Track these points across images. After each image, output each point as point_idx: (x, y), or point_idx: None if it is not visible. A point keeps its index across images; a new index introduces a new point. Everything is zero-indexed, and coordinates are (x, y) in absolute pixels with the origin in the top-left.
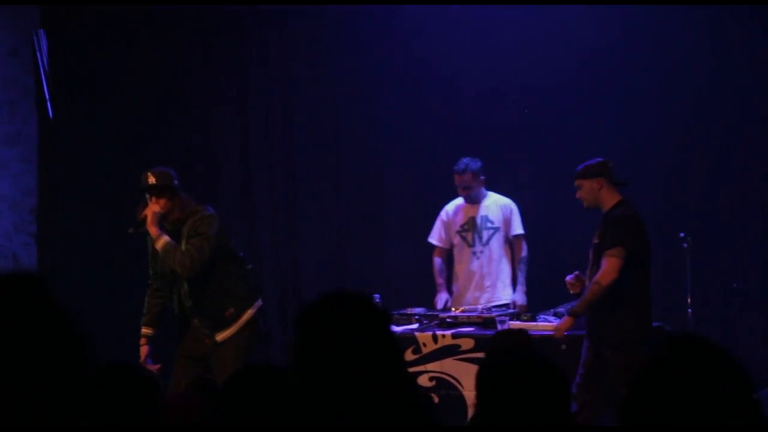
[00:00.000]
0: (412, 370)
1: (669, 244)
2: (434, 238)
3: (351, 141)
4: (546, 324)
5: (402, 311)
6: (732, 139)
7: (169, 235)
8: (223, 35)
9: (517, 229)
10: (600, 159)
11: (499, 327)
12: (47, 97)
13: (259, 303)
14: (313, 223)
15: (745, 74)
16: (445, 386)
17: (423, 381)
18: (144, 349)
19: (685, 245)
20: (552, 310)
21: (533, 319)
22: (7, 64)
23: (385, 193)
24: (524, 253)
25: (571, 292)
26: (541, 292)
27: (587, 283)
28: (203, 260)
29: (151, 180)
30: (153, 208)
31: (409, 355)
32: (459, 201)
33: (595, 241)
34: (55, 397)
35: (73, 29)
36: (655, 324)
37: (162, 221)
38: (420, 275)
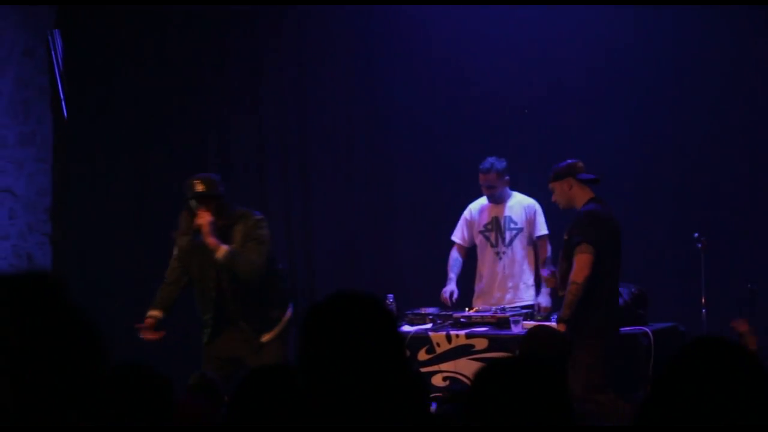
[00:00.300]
0: (425, 369)
1: (683, 244)
2: (457, 237)
3: (365, 139)
4: (544, 323)
5: (416, 311)
6: (747, 138)
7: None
8: (237, 33)
9: (542, 229)
10: (569, 161)
11: (513, 327)
12: (62, 97)
13: (291, 303)
14: (326, 222)
15: (762, 73)
16: (459, 386)
17: (437, 381)
18: (148, 322)
19: (699, 245)
20: None
21: (547, 319)
22: (22, 63)
23: (399, 191)
24: (549, 254)
25: (548, 287)
26: (556, 292)
27: (558, 280)
28: (263, 264)
29: (200, 188)
30: (206, 218)
31: (422, 355)
32: (483, 200)
33: (565, 237)
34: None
35: (88, 29)
36: (669, 324)
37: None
38: (434, 274)
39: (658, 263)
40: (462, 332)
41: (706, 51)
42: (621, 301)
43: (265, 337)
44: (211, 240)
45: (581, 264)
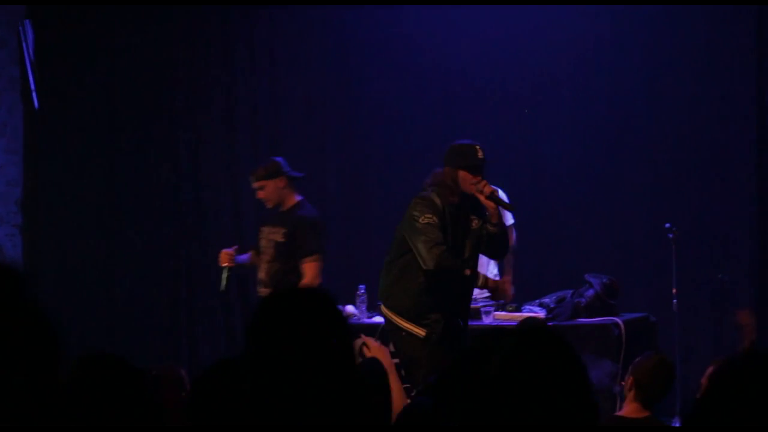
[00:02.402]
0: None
1: (654, 234)
2: None
3: (338, 133)
4: (531, 314)
5: None
6: (718, 131)
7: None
8: (210, 27)
9: (507, 219)
10: (277, 158)
11: (484, 318)
12: (33, 87)
13: None
14: None
15: (732, 69)
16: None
17: None
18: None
19: (670, 236)
20: (537, 301)
21: (518, 309)
22: None
23: (372, 183)
24: (513, 242)
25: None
26: (526, 282)
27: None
28: None
29: (481, 155)
30: (490, 188)
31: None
32: None
33: (281, 239)
34: (22, 396)
35: (59, 20)
36: (639, 314)
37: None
38: None
39: (630, 254)
40: None
41: (679, 46)
42: (592, 291)
43: None
44: (501, 207)
45: (313, 273)
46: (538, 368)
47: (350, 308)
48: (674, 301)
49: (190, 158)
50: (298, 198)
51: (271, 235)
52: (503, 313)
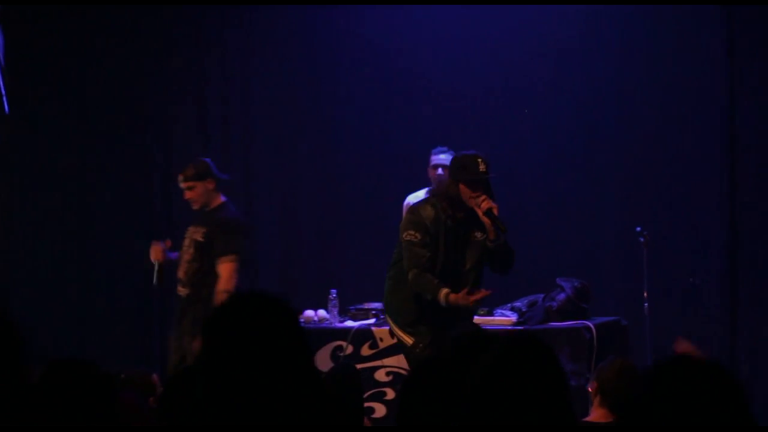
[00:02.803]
0: (368, 365)
1: (626, 238)
2: None
3: (310, 134)
4: (503, 318)
5: (359, 306)
6: (690, 134)
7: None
8: (181, 28)
9: None
10: (206, 159)
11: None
12: (3, 92)
13: None
14: (270, 218)
15: (703, 72)
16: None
17: (380, 376)
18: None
19: (642, 240)
20: (509, 305)
21: (490, 313)
22: None
23: (345, 186)
24: None
25: None
26: (498, 286)
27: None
28: None
29: (483, 168)
30: (493, 204)
31: (365, 350)
32: (420, 194)
33: (200, 239)
34: None
35: (30, 23)
36: (611, 318)
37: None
38: (378, 270)
39: (601, 257)
40: None
41: (650, 49)
42: (564, 295)
43: None
44: (500, 224)
45: (228, 274)
46: (523, 376)
47: (322, 312)
48: (645, 304)
49: (163, 161)
50: (222, 199)
51: (193, 235)
52: (475, 317)
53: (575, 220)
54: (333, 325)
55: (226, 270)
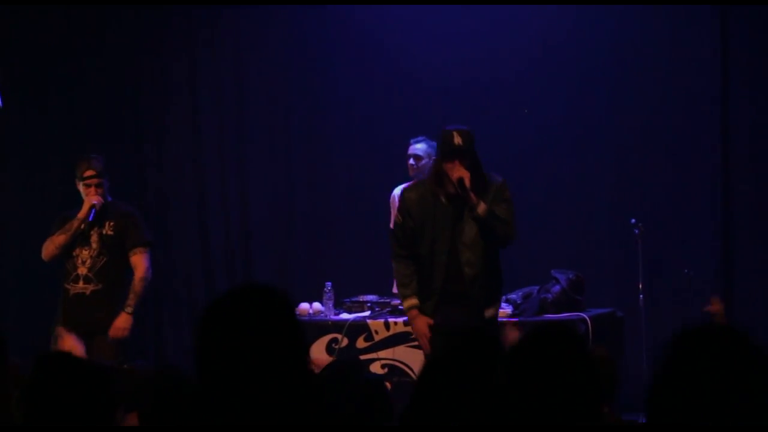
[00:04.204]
0: (364, 357)
1: (620, 230)
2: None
3: (304, 131)
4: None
5: (354, 298)
6: (683, 127)
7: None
8: (174, 25)
9: None
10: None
11: None
12: None
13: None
14: (263, 211)
15: (696, 67)
16: (398, 373)
17: (375, 368)
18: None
19: (636, 231)
20: (504, 297)
21: None
22: None
23: (338, 179)
24: None
25: None
26: None
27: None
28: (515, 225)
29: (458, 141)
30: (465, 174)
31: (361, 343)
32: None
33: (109, 233)
34: None
35: (21, 19)
36: (606, 310)
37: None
38: (372, 262)
39: (596, 249)
40: (400, 319)
41: (643, 43)
42: (558, 287)
43: (488, 313)
44: (473, 195)
45: (146, 264)
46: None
47: (317, 305)
48: (640, 296)
49: (156, 156)
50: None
51: (98, 229)
52: None
53: (570, 212)
54: (328, 317)
55: (143, 261)
